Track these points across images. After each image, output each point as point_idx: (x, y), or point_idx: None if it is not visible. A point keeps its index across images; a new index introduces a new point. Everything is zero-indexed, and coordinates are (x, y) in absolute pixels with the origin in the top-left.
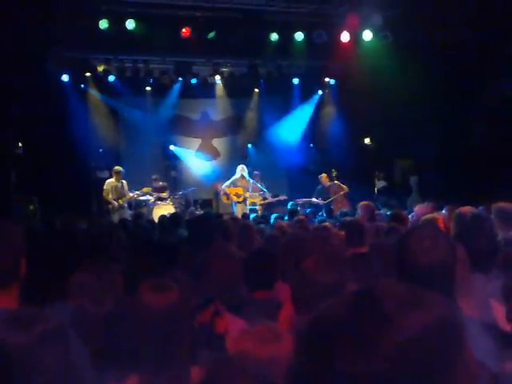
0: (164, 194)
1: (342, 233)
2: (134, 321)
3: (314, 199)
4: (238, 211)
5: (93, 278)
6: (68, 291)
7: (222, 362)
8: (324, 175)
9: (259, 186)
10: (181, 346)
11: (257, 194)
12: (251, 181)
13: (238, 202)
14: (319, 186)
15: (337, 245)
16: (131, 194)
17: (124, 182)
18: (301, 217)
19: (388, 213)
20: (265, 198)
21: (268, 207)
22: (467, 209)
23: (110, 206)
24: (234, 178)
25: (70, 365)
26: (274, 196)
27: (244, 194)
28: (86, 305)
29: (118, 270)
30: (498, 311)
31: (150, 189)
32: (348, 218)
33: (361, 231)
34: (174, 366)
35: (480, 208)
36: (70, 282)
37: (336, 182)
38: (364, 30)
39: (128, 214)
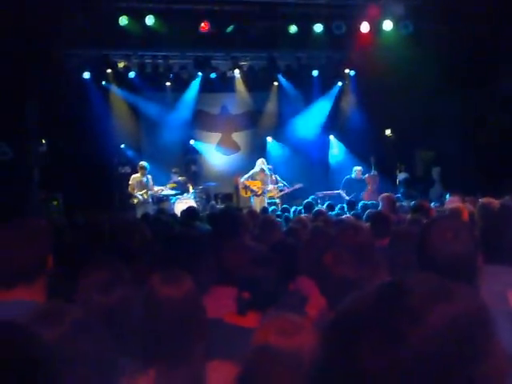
0: (189, 188)
1: (367, 225)
2: (143, 312)
3: (341, 192)
4: (256, 204)
5: (102, 272)
6: (79, 286)
7: (261, 353)
8: (359, 168)
9: (278, 179)
10: (194, 338)
11: (274, 187)
12: (270, 174)
13: (256, 196)
14: (349, 177)
15: (361, 237)
16: (156, 189)
17: (149, 176)
18: (321, 209)
19: (412, 203)
20: (281, 191)
21: (289, 199)
22: (492, 200)
23: (135, 201)
24: (252, 171)
25: (101, 354)
26: (288, 187)
27: (263, 187)
28: (94, 297)
29: (127, 264)
30: None
31: (175, 185)
32: (372, 210)
33: (386, 223)
34: (189, 359)
35: (506, 198)
36: (81, 277)
37: (374, 172)
38: (384, 19)
39: (151, 208)
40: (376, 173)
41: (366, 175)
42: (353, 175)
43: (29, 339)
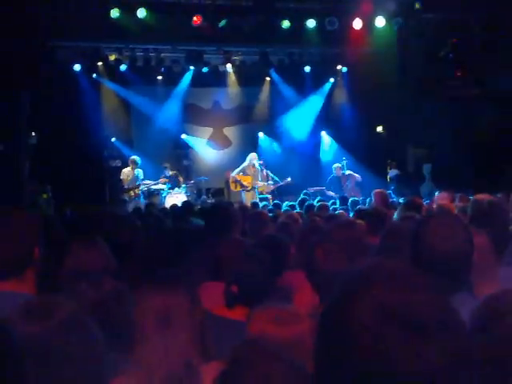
0: (180, 179)
1: (360, 221)
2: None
3: (325, 190)
4: (247, 199)
5: (87, 262)
6: (63, 277)
7: (248, 345)
8: (337, 165)
9: (270, 174)
10: (188, 342)
11: (265, 183)
12: (260, 169)
13: (247, 191)
14: (331, 176)
15: (355, 233)
16: (147, 182)
17: (140, 170)
18: (323, 204)
19: (401, 200)
20: (270, 186)
21: (279, 195)
22: (484, 196)
23: (127, 195)
24: (243, 165)
25: (90, 351)
26: (277, 182)
27: (253, 182)
28: (82, 289)
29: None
30: None
31: (167, 180)
32: (365, 207)
33: (383, 219)
34: (184, 362)
35: (498, 195)
36: (64, 267)
37: (348, 171)
38: (377, 16)
39: (143, 203)
40: (350, 172)
41: (342, 177)
42: (334, 173)
43: None
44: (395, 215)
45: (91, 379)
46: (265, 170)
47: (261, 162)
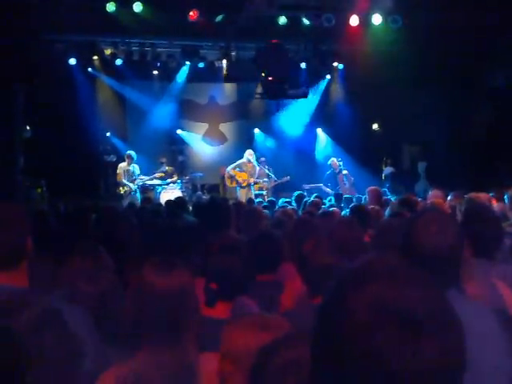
0: (174, 178)
1: (353, 217)
2: (133, 300)
3: (323, 187)
4: (242, 196)
5: (84, 260)
6: (61, 275)
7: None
8: (334, 159)
9: (266, 171)
10: (185, 330)
11: (262, 180)
12: (257, 166)
13: (242, 187)
14: (329, 172)
15: (344, 229)
16: (143, 178)
17: (136, 166)
18: (316, 200)
19: (393, 198)
20: (270, 183)
21: (275, 191)
22: (478, 194)
23: (122, 190)
24: (240, 161)
25: (69, 347)
26: (275, 180)
27: (248, 179)
28: (80, 286)
29: (112, 253)
30: (507, 295)
31: (163, 174)
32: (355, 204)
33: (375, 217)
34: (179, 349)
35: (491, 194)
36: (62, 266)
37: (345, 171)
38: (373, 13)
39: (138, 198)
40: (346, 171)
41: (339, 174)
42: (331, 169)
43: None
44: (386, 212)
45: (65, 376)
46: (263, 168)
47: (263, 159)
